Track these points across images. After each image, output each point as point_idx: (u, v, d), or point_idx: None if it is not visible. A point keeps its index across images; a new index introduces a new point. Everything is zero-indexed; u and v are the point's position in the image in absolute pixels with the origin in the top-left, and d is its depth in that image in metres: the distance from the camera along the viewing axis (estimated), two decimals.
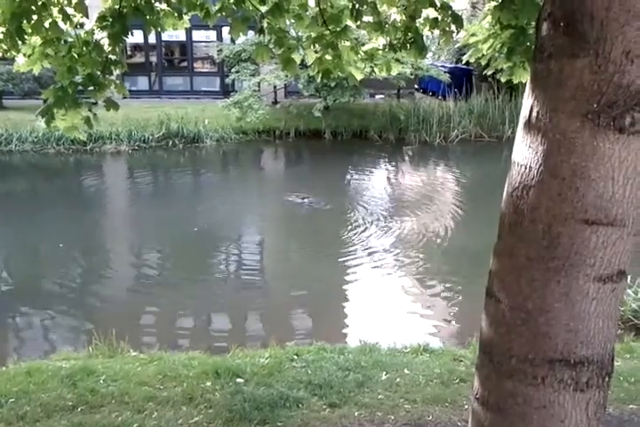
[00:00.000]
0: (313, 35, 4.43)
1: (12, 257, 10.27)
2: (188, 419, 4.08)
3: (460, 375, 4.75)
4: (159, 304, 8.14)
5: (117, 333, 5.97)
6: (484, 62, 4.75)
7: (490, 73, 4.79)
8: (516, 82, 4.57)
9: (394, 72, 5.03)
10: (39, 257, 10.32)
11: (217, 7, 4.31)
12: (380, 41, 4.68)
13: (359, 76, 4.75)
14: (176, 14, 4.32)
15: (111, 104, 4.22)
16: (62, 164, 17.14)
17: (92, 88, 4.08)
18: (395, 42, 4.49)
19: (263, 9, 4.27)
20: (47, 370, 4.84)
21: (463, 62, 5.17)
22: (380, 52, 4.77)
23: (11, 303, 8.24)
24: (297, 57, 4.52)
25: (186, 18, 4.43)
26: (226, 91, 22.07)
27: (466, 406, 4.10)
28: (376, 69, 4.98)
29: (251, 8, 4.25)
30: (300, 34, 4.69)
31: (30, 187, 15.28)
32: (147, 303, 8.22)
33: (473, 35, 4.64)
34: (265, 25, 4.38)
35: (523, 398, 2.22)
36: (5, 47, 4.02)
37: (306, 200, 12.74)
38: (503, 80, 4.69)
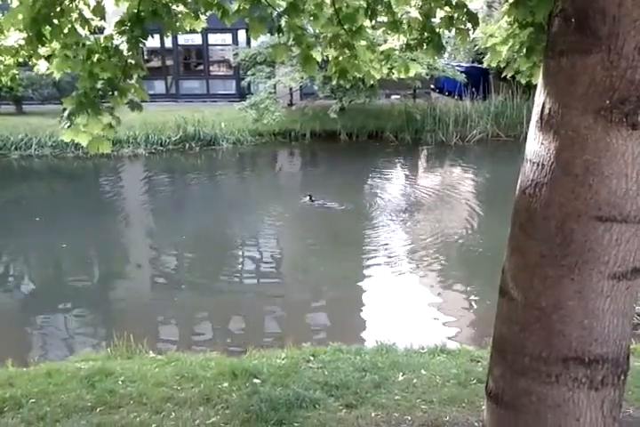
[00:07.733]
0: (329, 35, 4.42)
1: (30, 259, 10.38)
2: (205, 419, 4.08)
3: (478, 376, 4.71)
4: (177, 306, 8.18)
5: (135, 334, 6.02)
6: (502, 65, 4.71)
7: (510, 75, 4.72)
8: (535, 82, 4.50)
9: (411, 73, 5.00)
10: (58, 259, 10.42)
11: (234, 6, 4.29)
12: (395, 42, 4.67)
13: (377, 76, 4.74)
14: (193, 15, 4.33)
15: (135, 105, 4.21)
16: (81, 168, 17.30)
17: (112, 93, 4.07)
18: (411, 41, 4.47)
19: (280, 5, 4.25)
20: (66, 371, 4.89)
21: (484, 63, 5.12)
22: (397, 52, 4.74)
23: (31, 305, 8.36)
24: (316, 54, 4.51)
25: (202, 17, 4.42)
26: (242, 93, 22.16)
27: (483, 407, 4.07)
28: (394, 70, 4.96)
29: (267, 6, 4.24)
30: (317, 32, 4.68)
31: (49, 191, 15.43)
32: (164, 305, 8.27)
33: (491, 36, 4.61)
34: (283, 23, 4.37)
35: (537, 397, 2.20)
36: (27, 54, 4.05)
37: (322, 201, 12.74)
38: (523, 82, 4.64)
